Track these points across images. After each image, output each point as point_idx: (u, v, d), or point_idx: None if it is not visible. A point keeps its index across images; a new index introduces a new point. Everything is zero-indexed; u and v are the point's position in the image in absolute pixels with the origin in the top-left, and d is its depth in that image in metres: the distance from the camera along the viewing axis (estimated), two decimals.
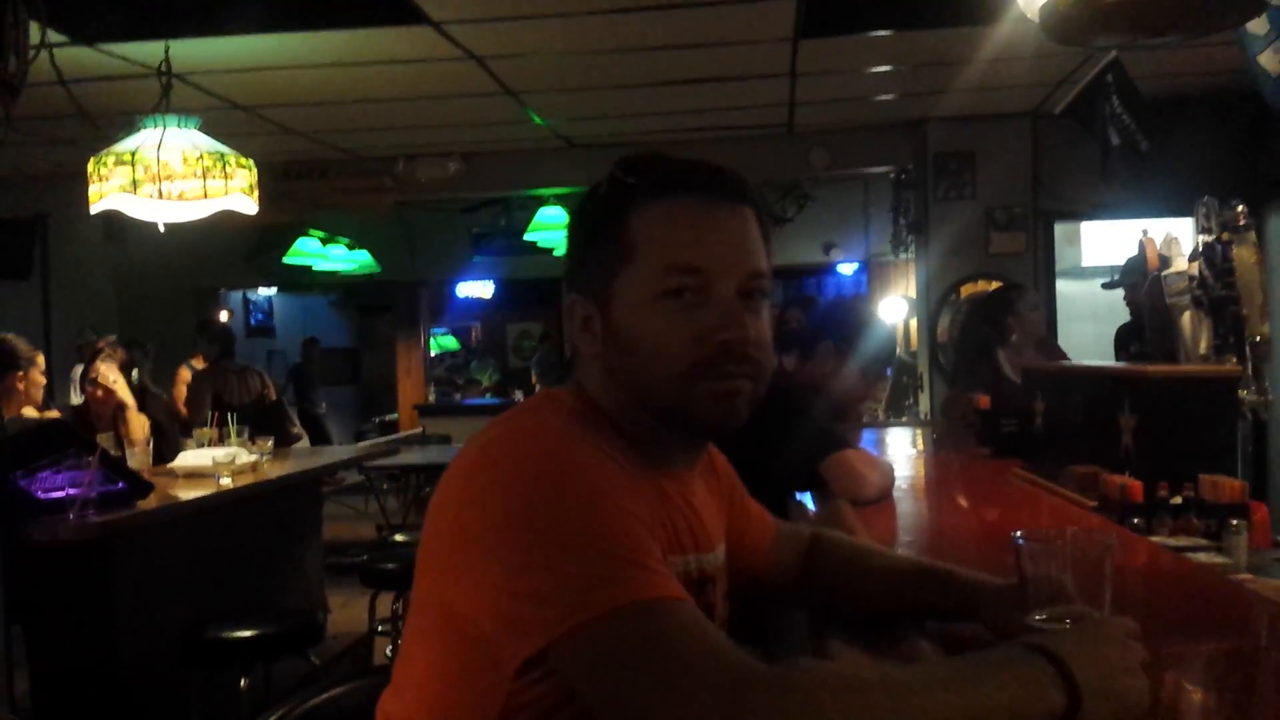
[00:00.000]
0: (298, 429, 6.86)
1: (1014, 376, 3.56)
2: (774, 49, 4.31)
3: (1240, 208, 2.97)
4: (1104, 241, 5.69)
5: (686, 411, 1.04)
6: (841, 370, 2.53)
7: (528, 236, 6.73)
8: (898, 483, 2.25)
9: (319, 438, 9.43)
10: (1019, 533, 0.99)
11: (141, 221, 3.50)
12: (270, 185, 3.73)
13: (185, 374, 6.23)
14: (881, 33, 4.21)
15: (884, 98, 5.38)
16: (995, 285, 5.57)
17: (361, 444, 8.37)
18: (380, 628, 4.23)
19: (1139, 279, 3.84)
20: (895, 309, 8.94)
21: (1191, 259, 3.22)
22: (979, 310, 4.40)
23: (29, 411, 4.09)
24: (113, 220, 3.72)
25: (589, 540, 0.89)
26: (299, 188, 6.14)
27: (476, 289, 12.19)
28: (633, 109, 5.31)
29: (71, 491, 2.96)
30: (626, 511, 0.93)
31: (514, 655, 0.89)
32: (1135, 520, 1.88)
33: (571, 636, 0.85)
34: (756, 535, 1.30)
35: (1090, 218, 5.75)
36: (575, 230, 1.13)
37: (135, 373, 4.21)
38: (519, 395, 10.60)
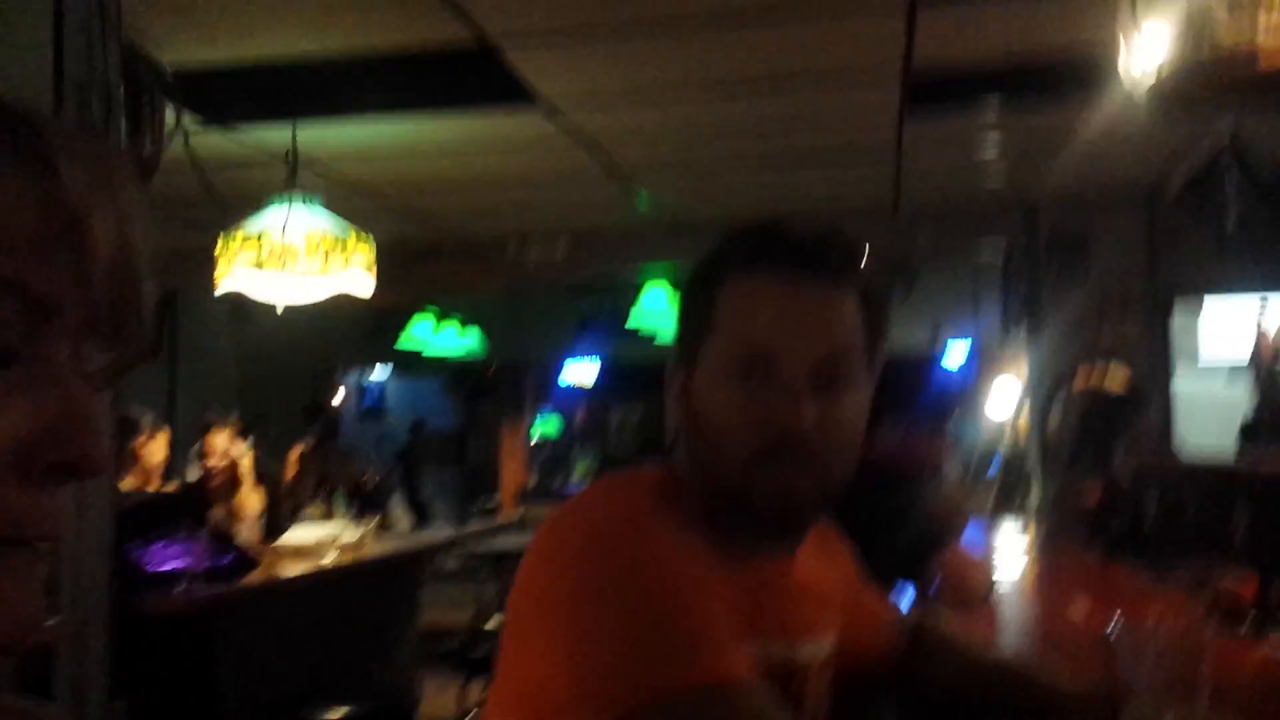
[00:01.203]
0: (398, 511, 6.98)
1: (1127, 477, 3.42)
2: (879, 127, 4.32)
3: None
4: (1223, 335, 5.48)
5: (746, 502, 0.98)
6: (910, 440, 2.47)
7: (631, 326, 6.79)
8: (1003, 582, 2.17)
9: (423, 522, 9.58)
10: (1111, 627, 0.94)
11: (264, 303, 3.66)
12: (386, 267, 3.86)
13: (294, 454, 6.42)
14: (988, 111, 4.19)
15: (991, 177, 5.33)
16: (1113, 371, 5.38)
17: (460, 529, 8.45)
18: (471, 714, 4.20)
19: (1257, 371, 3.67)
20: (1006, 395, 8.70)
21: None
22: (1098, 408, 4.27)
23: (148, 484, 4.26)
24: (237, 300, 3.90)
25: (657, 616, 0.87)
26: (413, 270, 6.34)
27: (581, 373, 12.31)
28: (739, 189, 5.37)
29: (180, 565, 3.04)
30: (698, 587, 0.90)
31: None
32: (1246, 623, 1.77)
33: (635, 714, 0.82)
34: (872, 634, 1.22)
35: (1209, 292, 5.54)
36: (681, 296, 1.10)
37: (250, 450, 4.36)
38: None
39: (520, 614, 0.97)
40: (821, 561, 1.16)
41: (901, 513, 2.21)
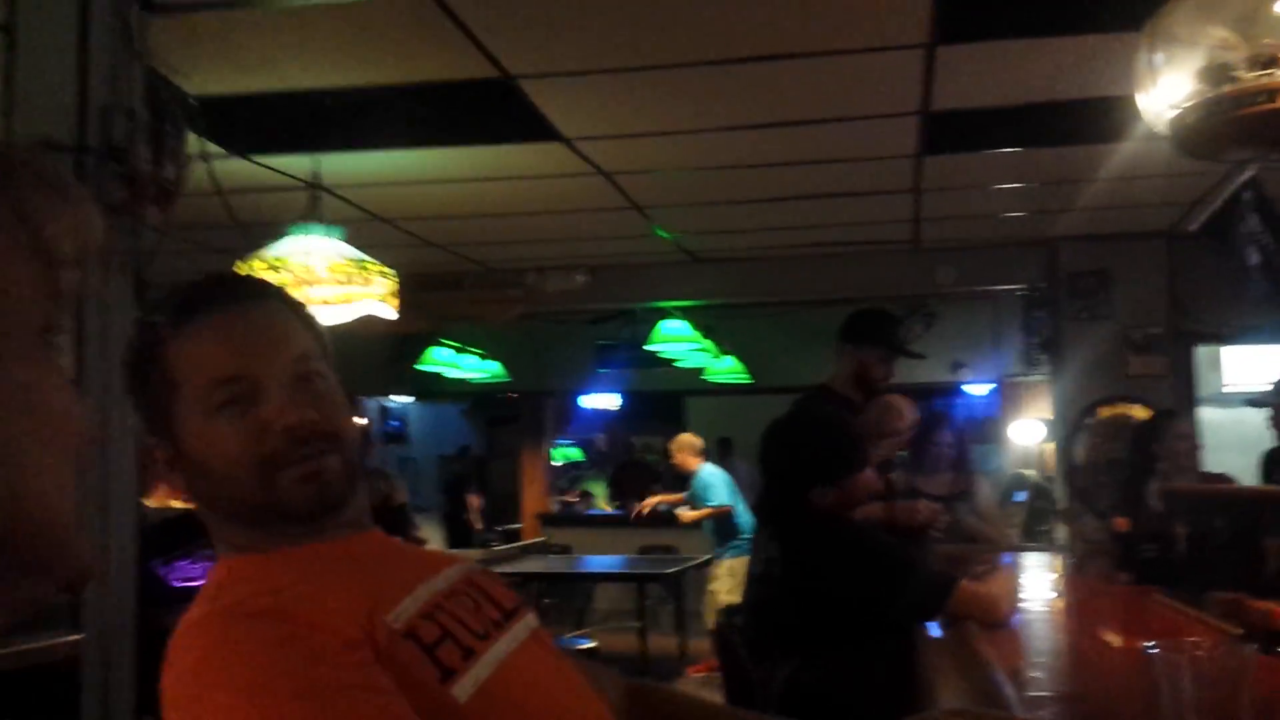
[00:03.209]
0: (421, 533, 7.00)
1: (1158, 505, 3.39)
2: (897, 165, 4.32)
3: None
4: (1247, 365, 5.42)
5: (275, 504, 1.05)
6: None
7: (649, 347, 6.80)
8: (1033, 608, 2.18)
9: (461, 542, 9.67)
10: (1152, 644, 0.93)
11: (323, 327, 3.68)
12: (407, 295, 3.88)
13: None
14: (1007, 150, 4.18)
15: (1012, 215, 5.32)
16: (1136, 409, 5.34)
17: (486, 552, 8.46)
18: None
19: None
20: (1029, 431, 8.63)
21: None
22: (1125, 436, 4.25)
23: (174, 502, 4.28)
24: None
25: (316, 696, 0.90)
26: (433, 298, 6.38)
27: (602, 401, 12.33)
28: (756, 224, 5.38)
29: (203, 581, 3.06)
30: (345, 667, 0.93)
31: None
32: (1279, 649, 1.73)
33: None
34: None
35: (1233, 341, 5.50)
36: (128, 384, 1.13)
37: None
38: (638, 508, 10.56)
39: None
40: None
41: (919, 559, 2.26)
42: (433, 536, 7.78)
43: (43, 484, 0.45)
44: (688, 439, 7.31)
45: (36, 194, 0.46)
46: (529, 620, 1.16)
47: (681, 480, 7.43)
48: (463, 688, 0.99)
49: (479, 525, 10.54)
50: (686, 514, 7.20)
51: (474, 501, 10.77)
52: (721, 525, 6.90)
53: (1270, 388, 3.98)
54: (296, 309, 1.15)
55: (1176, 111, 1.89)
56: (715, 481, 7.00)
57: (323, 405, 1.08)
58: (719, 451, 8.01)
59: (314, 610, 0.97)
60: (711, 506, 6.91)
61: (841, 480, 2.29)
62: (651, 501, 7.64)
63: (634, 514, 8.11)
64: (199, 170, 2.60)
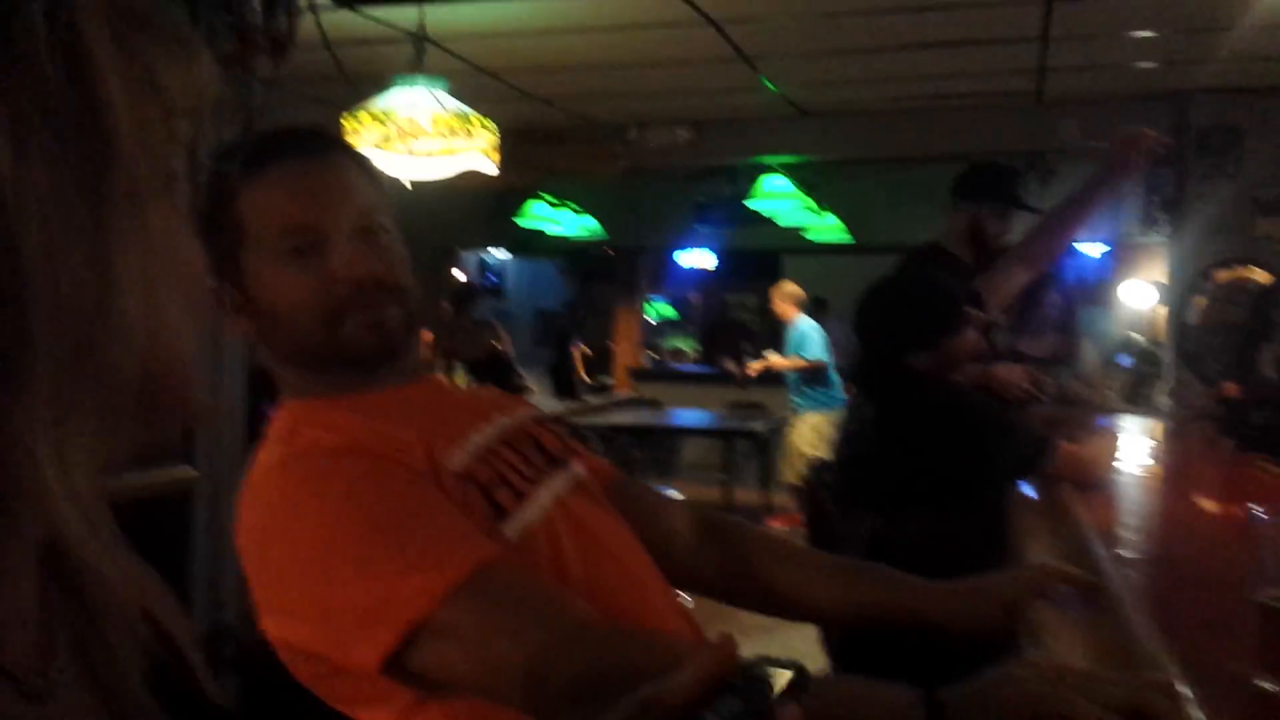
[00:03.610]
0: (526, 382, 7.19)
1: (1272, 372, 3.28)
2: (1025, 10, 4.10)
3: None
4: None
5: (339, 350, 1.10)
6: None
7: (750, 204, 6.70)
8: (1132, 471, 2.17)
9: (564, 393, 9.92)
10: (1257, 507, 0.93)
11: (389, 180, 3.74)
12: (509, 149, 3.88)
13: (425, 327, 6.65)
14: None
15: (1143, 65, 5.01)
16: (1258, 273, 5.12)
17: (577, 402, 8.68)
18: None
19: None
20: (1142, 294, 8.36)
21: None
22: (1241, 300, 4.08)
23: None
24: None
25: (390, 533, 0.95)
26: (536, 152, 6.37)
27: (698, 259, 12.26)
28: (870, 75, 5.19)
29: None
30: (405, 482, 1.00)
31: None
32: None
33: (418, 630, 0.91)
34: (647, 502, 1.32)
35: None
36: (199, 229, 1.15)
37: None
38: (730, 364, 10.62)
39: (268, 581, 1.02)
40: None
41: (1015, 418, 2.25)
42: (536, 387, 7.98)
43: (174, 325, 0.47)
44: (789, 287, 7.24)
45: (159, 44, 0.47)
46: (576, 470, 1.20)
47: (774, 340, 7.42)
48: (512, 528, 1.05)
49: (585, 377, 10.74)
50: (779, 361, 7.21)
51: (580, 352, 10.94)
52: (810, 380, 6.92)
53: None
54: (363, 163, 1.18)
55: None
56: (812, 334, 6.98)
57: (386, 258, 1.12)
58: (813, 311, 7.95)
59: (384, 445, 1.04)
60: (805, 359, 6.91)
61: (941, 343, 2.27)
62: (761, 365, 7.62)
63: (741, 375, 8.13)
64: (307, 22, 2.61)
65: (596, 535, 1.12)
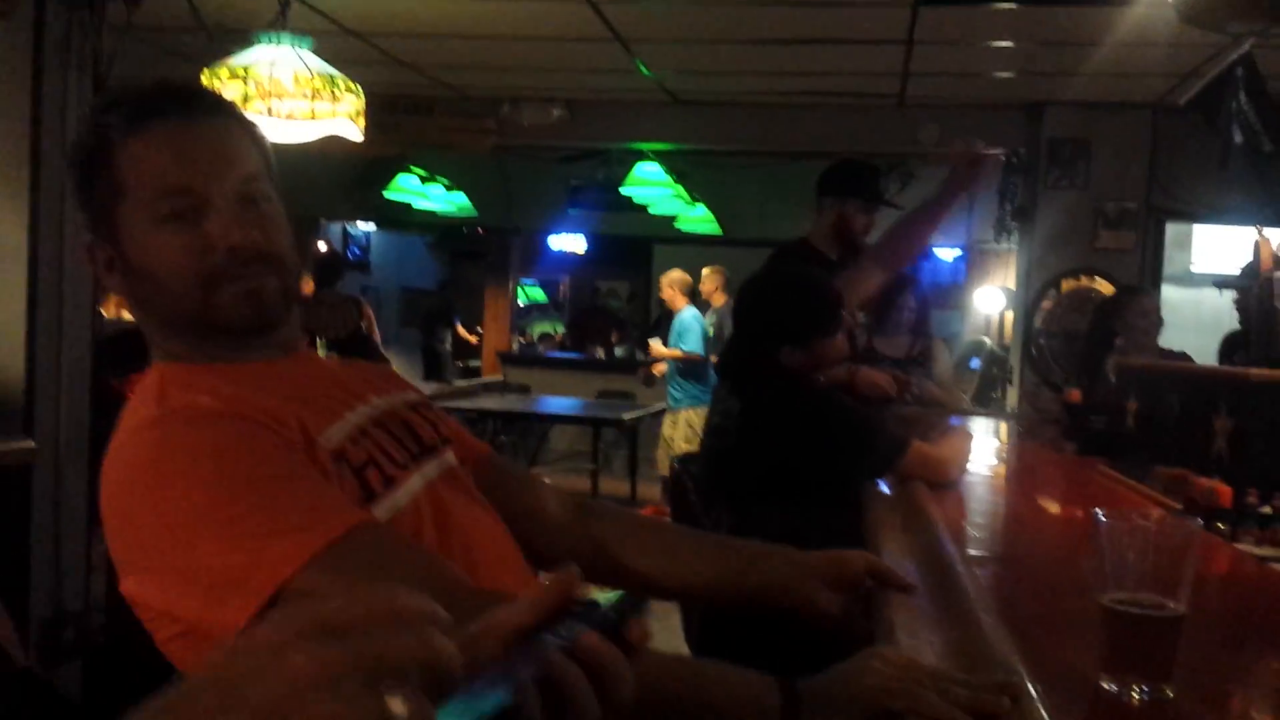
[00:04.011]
0: (390, 366, 6.99)
1: (1111, 377, 3.45)
2: (893, 11, 4.19)
3: None
4: (1216, 248, 5.45)
5: (213, 318, 1.08)
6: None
7: (623, 190, 6.68)
8: (980, 473, 2.23)
9: (435, 374, 9.70)
10: (1100, 511, 0.95)
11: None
12: (376, 117, 3.75)
13: None
14: (1007, 5, 4.06)
15: (1002, 75, 5.21)
16: (1100, 283, 5.39)
17: (446, 386, 8.52)
18: None
19: (1251, 282, 3.67)
20: (992, 299, 8.72)
21: None
22: (1085, 308, 4.29)
23: (128, 315, 4.23)
24: None
25: (264, 495, 0.94)
26: (404, 121, 6.19)
27: (569, 243, 12.20)
28: (742, 67, 5.22)
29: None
30: (274, 447, 0.98)
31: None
32: (1220, 526, 1.80)
33: (288, 588, 0.88)
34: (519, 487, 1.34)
35: (1204, 220, 5.51)
36: (72, 178, 1.13)
37: None
38: (599, 352, 10.61)
39: (133, 544, 0.98)
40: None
41: (874, 419, 2.29)
42: (403, 369, 7.80)
43: None
44: (680, 275, 7.21)
45: None
46: (447, 458, 1.19)
47: (643, 329, 7.43)
48: (380, 511, 1.04)
49: (454, 359, 10.57)
50: (659, 348, 7.22)
51: (462, 334, 10.75)
52: (688, 372, 6.93)
53: (1240, 271, 4.01)
54: (249, 128, 1.15)
55: None
56: (695, 326, 6.98)
57: (266, 227, 1.09)
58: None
59: (258, 412, 1.01)
60: (683, 350, 6.92)
61: (813, 342, 2.29)
62: (662, 368, 7.56)
63: (644, 368, 8.08)
64: None
65: (460, 523, 1.12)
